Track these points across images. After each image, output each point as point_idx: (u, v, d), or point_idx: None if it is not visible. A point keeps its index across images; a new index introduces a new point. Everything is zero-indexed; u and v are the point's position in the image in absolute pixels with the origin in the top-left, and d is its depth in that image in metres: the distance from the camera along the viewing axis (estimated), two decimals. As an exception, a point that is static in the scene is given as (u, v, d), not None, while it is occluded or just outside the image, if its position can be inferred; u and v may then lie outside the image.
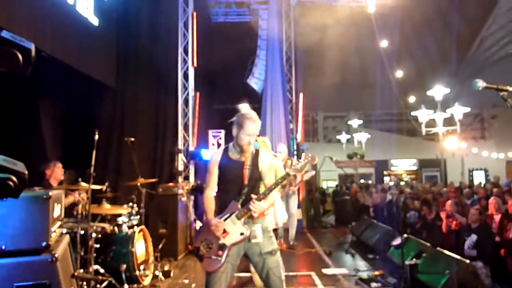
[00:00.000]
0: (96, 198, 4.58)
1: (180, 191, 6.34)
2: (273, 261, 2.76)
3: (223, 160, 2.82)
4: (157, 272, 4.82)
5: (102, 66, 6.53)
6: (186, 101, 8.06)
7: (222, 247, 2.65)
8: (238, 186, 2.77)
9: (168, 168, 7.43)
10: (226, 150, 2.87)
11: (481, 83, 2.08)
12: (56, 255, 2.19)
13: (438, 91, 12.32)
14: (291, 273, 5.00)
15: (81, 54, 5.73)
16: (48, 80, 5.47)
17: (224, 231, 2.67)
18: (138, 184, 5.22)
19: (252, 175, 2.80)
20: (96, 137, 4.04)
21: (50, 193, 2.23)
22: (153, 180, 6.00)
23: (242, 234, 2.68)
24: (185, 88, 8.06)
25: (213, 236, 2.67)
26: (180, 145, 7.79)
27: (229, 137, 9.94)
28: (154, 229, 5.79)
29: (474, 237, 5.63)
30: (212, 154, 3.05)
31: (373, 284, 4.38)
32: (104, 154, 6.23)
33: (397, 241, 5.13)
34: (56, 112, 5.97)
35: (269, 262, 2.74)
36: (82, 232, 3.97)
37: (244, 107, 2.86)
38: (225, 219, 2.70)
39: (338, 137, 21.86)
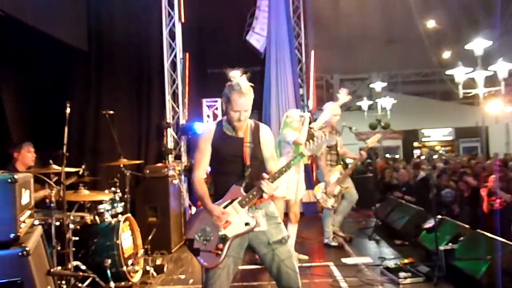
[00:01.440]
0: (71, 183, 4.62)
1: (171, 173, 6.37)
2: (285, 251, 2.77)
3: (217, 137, 2.81)
4: (148, 267, 4.91)
5: (71, 25, 6.46)
6: (173, 65, 7.99)
7: (223, 239, 2.66)
8: (238, 167, 2.76)
9: (156, 145, 7.45)
10: (220, 125, 2.86)
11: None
12: (27, 248, 2.22)
13: (478, 44, 12.14)
14: (304, 264, 5.08)
15: (45, 13, 5.66)
16: (7, 45, 5.44)
17: (226, 221, 2.68)
18: (121, 165, 5.25)
19: (254, 154, 2.80)
20: (68, 110, 4.04)
21: (16, 176, 2.24)
22: (139, 161, 6.03)
23: (247, 224, 2.69)
24: (172, 49, 7.99)
25: (211, 226, 2.68)
26: (169, 118, 7.79)
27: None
28: (142, 218, 5.86)
29: (520, 216, 5.68)
30: (203, 129, 3.06)
31: (402, 274, 4.44)
32: (78, 131, 6.24)
33: (429, 224, 5.18)
34: (18, 82, 5.96)
35: (279, 253, 2.75)
36: (57, 223, 4.02)
37: (236, 75, 2.81)
38: (225, 207, 2.71)
39: (358, 103, 21.72)
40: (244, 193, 2.71)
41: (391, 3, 18.64)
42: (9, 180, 2.21)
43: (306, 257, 5.35)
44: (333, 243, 6.04)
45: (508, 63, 12.35)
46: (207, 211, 2.71)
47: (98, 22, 6.90)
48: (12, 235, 2.21)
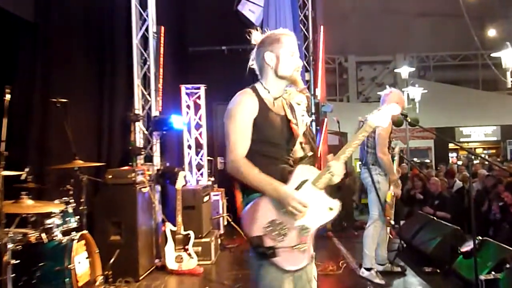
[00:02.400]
0: (11, 190, 4.56)
1: (140, 178, 6.37)
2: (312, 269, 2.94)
3: (262, 111, 2.78)
4: (108, 299, 4.89)
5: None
6: (145, 41, 7.94)
7: (305, 230, 2.64)
8: (285, 151, 2.88)
9: (121, 144, 7.42)
10: (258, 95, 2.83)
11: None
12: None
13: (532, 19, 12.18)
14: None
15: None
16: None
17: None
18: (76, 168, 5.22)
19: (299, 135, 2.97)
20: (8, 97, 4.00)
21: None
22: (99, 163, 5.97)
23: (331, 209, 2.69)
24: (143, 20, 7.94)
25: (282, 217, 2.63)
26: (138, 109, 7.75)
27: (212, 95, 9.83)
28: (102, 236, 5.84)
29: None
30: (240, 98, 2.78)
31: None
32: (22, 124, 6.17)
33: (467, 247, 5.18)
34: None
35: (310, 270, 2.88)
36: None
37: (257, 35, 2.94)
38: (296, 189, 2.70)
39: (379, 93, 21.81)
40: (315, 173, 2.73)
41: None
42: None
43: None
44: (377, 280, 5.72)
45: None
46: (277, 199, 2.62)
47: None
48: None
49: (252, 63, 2.90)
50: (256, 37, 2.87)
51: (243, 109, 2.73)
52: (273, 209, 2.61)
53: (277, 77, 2.80)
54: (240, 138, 2.70)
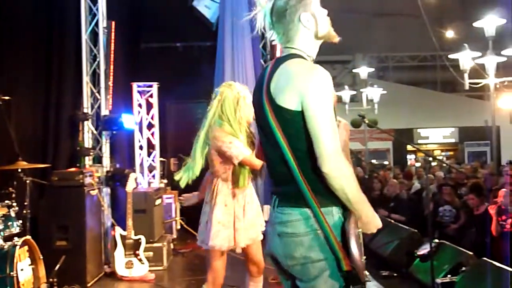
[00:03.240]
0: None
1: (88, 180, 6.29)
2: None
3: None
4: (53, 308, 4.82)
5: None
6: (94, 37, 7.84)
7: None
8: None
9: (68, 144, 7.32)
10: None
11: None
12: None
13: (490, 22, 12.53)
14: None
15: None
16: None
17: None
18: (19, 169, 5.11)
19: None
20: None
21: None
22: (44, 165, 5.84)
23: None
24: (93, 14, 7.84)
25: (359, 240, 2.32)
26: (87, 108, 7.65)
27: (165, 94, 9.76)
28: (47, 241, 5.76)
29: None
30: (323, 75, 2.24)
31: (389, 315, 4.52)
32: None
33: (424, 250, 5.29)
34: None
35: None
36: None
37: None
38: None
39: (338, 93, 22.08)
40: None
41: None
42: None
43: None
44: None
45: (526, 47, 12.79)
46: (364, 220, 2.28)
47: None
48: None
49: (270, 33, 2.45)
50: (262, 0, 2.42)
51: (327, 90, 2.22)
52: (357, 232, 2.26)
53: (317, 39, 2.42)
54: (335, 132, 2.20)
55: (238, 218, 4.05)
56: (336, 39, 2.47)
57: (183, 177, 4.18)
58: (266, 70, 2.38)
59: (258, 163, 3.84)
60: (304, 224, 2.19)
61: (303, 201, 2.18)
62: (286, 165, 2.22)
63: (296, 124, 2.19)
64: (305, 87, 2.16)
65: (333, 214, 2.21)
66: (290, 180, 2.21)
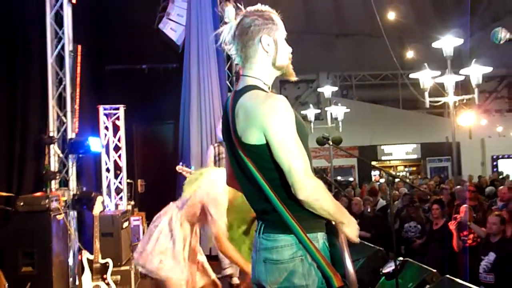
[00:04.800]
0: None
1: (55, 205, 6.18)
2: None
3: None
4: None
5: None
6: (60, 60, 7.75)
7: None
8: None
9: (34, 168, 7.18)
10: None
11: (503, 33, 2.17)
12: None
13: (448, 42, 12.79)
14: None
15: None
16: None
17: None
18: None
19: None
20: None
21: None
22: (8, 194, 5.74)
23: None
24: (59, 38, 7.76)
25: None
26: (53, 131, 7.54)
27: (132, 116, 9.68)
28: (12, 268, 5.62)
29: (492, 256, 5.98)
30: (283, 103, 2.21)
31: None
32: None
33: (389, 268, 5.30)
34: None
35: None
36: None
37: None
38: None
39: (302, 112, 22.20)
40: None
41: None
42: None
43: None
44: None
45: (483, 67, 13.07)
46: (347, 226, 2.30)
47: None
48: None
49: (229, 46, 2.39)
50: (231, 14, 2.38)
51: (288, 111, 2.22)
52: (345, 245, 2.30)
53: (274, 68, 2.39)
54: (303, 155, 2.19)
55: None
56: (294, 78, 2.46)
57: None
58: (228, 105, 2.37)
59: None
60: (289, 251, 2.20)
61: (288, 228, 2.18)
62: (266, 197, 2.22)
63: (265, 156, 2.20)
64: (263, 122, 2.17)
65: (318, 240, 2.24)
66: (272, 210, 2.22)
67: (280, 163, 2.16)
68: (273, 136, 2.16)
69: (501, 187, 10.62)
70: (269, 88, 2.39)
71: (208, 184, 3.94)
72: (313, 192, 2.14)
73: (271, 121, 2.16)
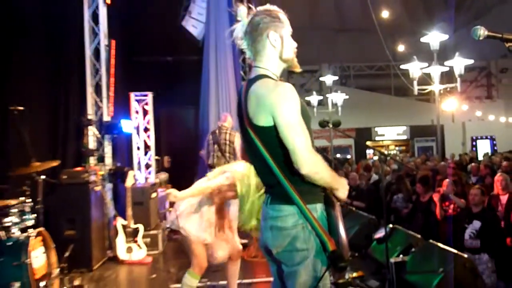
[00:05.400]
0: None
1: (93, 178, 6.25)
2: None
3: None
4: (64, 289, 4.79)
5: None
6: (97, 53, 7.78)
7: None
8: None
9: (75, 146, 7.24)
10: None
11: (482, 31, 2.16)
12: None
13: (435, 37, 12.68)
14: (245, 280, 5.14)
15: None
16: None
17: None
18: (33, 170, 5.06)
19: None
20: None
21: None
22: (54, 163, 5.75)
23: None
24: (95, 34, 7.77)
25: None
26: (91, 114, 7.59)
27: (160, 102, 9.68)
28: (58, 232, 5.69)
29: (476, 224, 5.99)
30: (290, 90, 2.23)
31: (351, 290, 4.58)
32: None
33: (380, 234, 5.35)
34: None
35: None
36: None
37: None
38: None
39: (307, 98, 22.13)
40: None
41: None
42: None
43: None
44: None
45: (465, 59, 12.98)
46: (342, 189, 2.33)
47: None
48: None
49: (241, 41, 2.40)
50: (243, 13, 2.37)
51: (296, 101, 2.24)
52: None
53: (281, 61, 2.37)
54: (307, 135, 2.22)
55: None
56: (298, 69, 2.46)
57: None
58: (241, 92, 2.39)
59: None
60: (292, 219, 2.22)
61: (290, 200, 2.20)
62: (272, 172, 2.24)
63: (273, 137, 2.22)
64: (272, 106, 2.19)
65: (317, 210, 2.25)
66: (277, 183, 2.24)
67: (285, 142, 2.18)
68: (281, 119, 2.17)
69: (472, 164, 10.68)
70: (277, 77, 2.38)
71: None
72: (313, 167, 2.17)
73: (279, 106, 2.18)
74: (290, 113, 2.18)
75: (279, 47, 2.34)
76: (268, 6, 2.37)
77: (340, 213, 2.26)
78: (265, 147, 2.24)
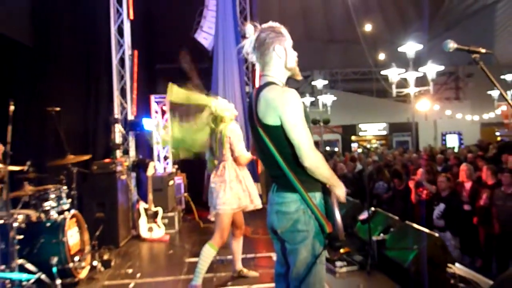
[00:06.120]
0: (16, 179, 4.40)
1: (119, 168, 6.25)
2: None
3: None
4: (95, 263, 4.79)
5: (12, 18, 6.08)
6: (121, 62, 7.77)
7: None
8: None
9: (103, 141, 7.25)
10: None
11: (452, 44, 2.17)
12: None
13: (410, 47, 12.65)
14: (249, 255, 5.14)
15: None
16: None
17: None
18: (68, 162, 5.07)
19: None
20: (12, 108, 3.84)
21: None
22: (86, 156, 5.77)
23: None
24: (120, 45, 7.76)
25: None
26: (117, 114, 7.59)
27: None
28: (89, 214, 5.71)
29: (442, 206, 6.02)
30: (290, 91, 2.25)
31: (338, 263, 4.58)
32: (23, 129, 5.93)
33: (363, 216, 5.34)
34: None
35: None
36: (1, 221, 3.84)
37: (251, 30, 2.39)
38: None
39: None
40: None
41: (332, 6, 19.02)
42: None
43: (256, 274, 4.52)
44: None
45: (437, 65, 12.96)
46: (336, 187, 2.30)
47: (43, 18, 6.56)
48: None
49: (251, 55, 2.39)
50: (250, 30, 2.38)
51: (298, 103, 2.25)
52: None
53: (286, 69, 2.38)
54: (309, 135, 2.24)
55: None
56: (299, 77, 2.46)
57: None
58: (252, 96, 2.39)
59: (246, 159, 4.04)
60: (295, 205, 2.23)
61: (294, 188, 2.22)
62: (278, 165, 2.25)
63: (279, 134, 2.22)
64: (280, 108, 2.20)
65: (316, 198, 2.26)
66: (283, 175, 2.25)
67: (291, 140, 2.19)
68: (287, 121, 2.19)
69: (438, 155, 10.67)
70: (283, 84, 2.39)
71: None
72: (314, 161, 2.18)
73: (286, 109, 2.19)
74: (295, 115, 2.19)
75: (284, 58, 2.34)
76: (271, 23, 2.38)
77: (336, 201, 2.27)
78: (273, 143, 2.25)
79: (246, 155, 4.05)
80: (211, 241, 4.03)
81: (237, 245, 4.42)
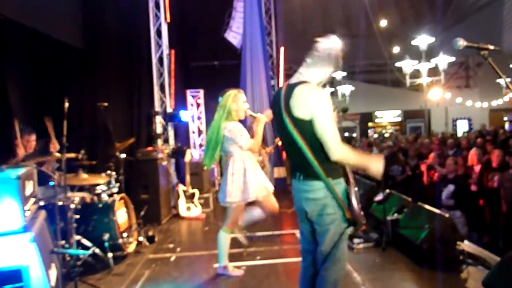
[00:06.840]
0: (72, 166, 4.52)
1: (160, 155, 6.32)
2: None
3: None
4: (140, 238, 4.90)
5: (67, 26, 6.23)
6: (160, 60, 7.85)
7: None
8: None
9: (146, 132, 7.37)
10: None
11: (461, 42, 2.10)
12: (33, 235, 2.20)
13: (423, 40, 12.28)
14: (275, 232, 5.17)
15: (42, 14, 5.45)
16: (12, 45, 5.22)
17: None
18: (116, 150, 5.17)
19: None
20: (66, 105, 3.93)
21: (19, 173, 2.19)
22: (131, 140, 5.74)
23: None
24: (159, 46, 7.83)
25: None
26: (157, 107, 7.69)
27: (209, 97, 9.76)
28: (135, 196, 5.80)
29: (451, 187, 5.86)
30: (320, 91, 2.28)
31: (356, 240, 4.55)
32: (77, 122, 6.09)
33: (379, 197, 5.27)
34: (22, 79, 5.74)
35: None
36: (60, 203, 3.97)
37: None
38: None
39: (321, 90, 21.90)
40: None
41: (349, 4, 18.59)
42: (13, 177, 2.15)
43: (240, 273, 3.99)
44: None
45: (448, 57, 12.55)
46: (373, 166, 2.29)
47: (92, 23, 6.68)
48: (19, 225, 2.16)
49: (318, 55, 2.39)
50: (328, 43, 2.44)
51: (330, 103, 2.26)
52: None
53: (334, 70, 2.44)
54: (336, 128, 2.26)
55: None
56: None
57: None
58: (281, 92, 2.35)
59: (257, 144, 3.76)
60: (322, 191, 2.26)
61: (319, 177, 2.23)
62: (303, 156, 2.24)
63: (309, 128, 2.21)
64: (312, 105, 2.20)
65: (341, 183, 2.29)
66: (308, 165, 2.25)
67: (320, 135, 2.19)
68: (318, 118, 2.18)
69: (449, 140, 10.34)
70: (317, 84, 2.35)
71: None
72: (342, 155, 2.20)
73: (318, 107, 2.19)
74: (325, 114, 2.19)
75: (339, 63, 2.41)
76: (331, 36, 2.43)
77: (354, 189, 2.28)
78: (300, 135, 2.23)
79: (253, 143, 3.73)
80: (225, 227, 3.88)
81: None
